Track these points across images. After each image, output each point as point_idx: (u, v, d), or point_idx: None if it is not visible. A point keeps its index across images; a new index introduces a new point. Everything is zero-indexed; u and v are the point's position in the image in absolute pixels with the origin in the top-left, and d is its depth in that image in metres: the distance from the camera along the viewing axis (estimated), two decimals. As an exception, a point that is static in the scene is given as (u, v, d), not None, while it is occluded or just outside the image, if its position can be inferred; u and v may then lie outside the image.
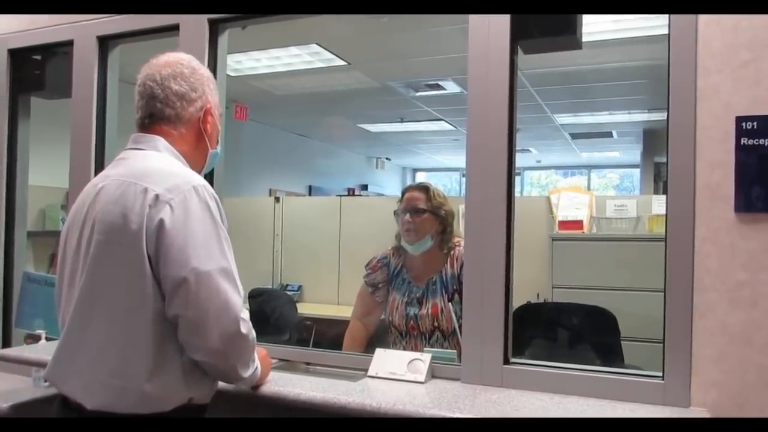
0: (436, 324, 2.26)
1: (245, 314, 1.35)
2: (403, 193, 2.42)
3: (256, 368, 1.48)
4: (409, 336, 2.32)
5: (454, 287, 2.25)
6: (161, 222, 1.28)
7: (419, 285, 2.34)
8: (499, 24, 1.71)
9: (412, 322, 2.30)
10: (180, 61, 1.49)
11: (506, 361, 1.68)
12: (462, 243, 2.30)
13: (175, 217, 1.29)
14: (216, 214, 1.35)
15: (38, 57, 2.46)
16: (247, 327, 1.35)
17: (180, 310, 1.29)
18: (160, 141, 1.45)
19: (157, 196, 1.30)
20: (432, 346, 2.24)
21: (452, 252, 2.31)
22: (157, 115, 1.46)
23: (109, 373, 1.30)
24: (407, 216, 2.31)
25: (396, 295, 2.37)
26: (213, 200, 1.37)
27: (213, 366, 1.37)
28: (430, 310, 2.27)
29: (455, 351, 1.85)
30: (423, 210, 2.30)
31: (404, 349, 2.30)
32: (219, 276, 1.30)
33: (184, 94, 1.47)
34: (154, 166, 1.39)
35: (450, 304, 2.24)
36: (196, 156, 1.53)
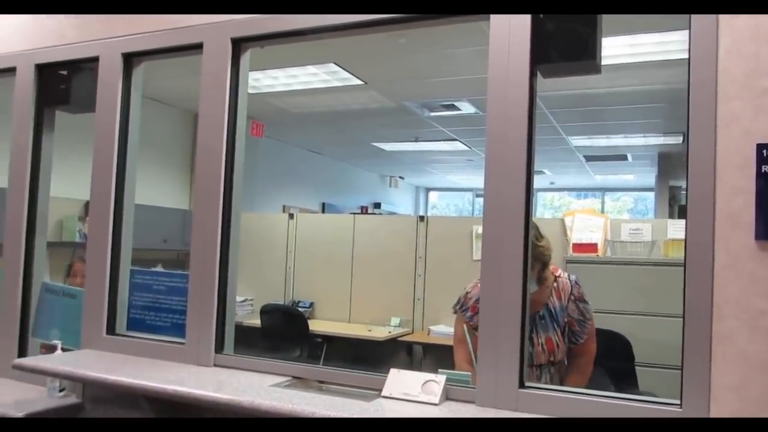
0: (551, 359, 2.25)
1: None
2: None
3: None
4: None
5: (565, 320, 2.27)
6: None
7: None
8: (519, 47, 1.72)
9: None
10: None
11: (521, 385, 1.67)
12: (560, 272, 2.31)
13: None
14: None
15: (64, 72, 2.52)
16: None
17: None
18: None
19: None
20: (541, 375, 2.24)
21: (555, 283, 2.29)
22: None
23: None
24: None
25: None
26: None
27: None
28: (545, 346, 2.25)
29: (470, 373, 1.84)
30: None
31: None
32: None
33: None
34: None
35: (563, 337, 2.27)
36: None
